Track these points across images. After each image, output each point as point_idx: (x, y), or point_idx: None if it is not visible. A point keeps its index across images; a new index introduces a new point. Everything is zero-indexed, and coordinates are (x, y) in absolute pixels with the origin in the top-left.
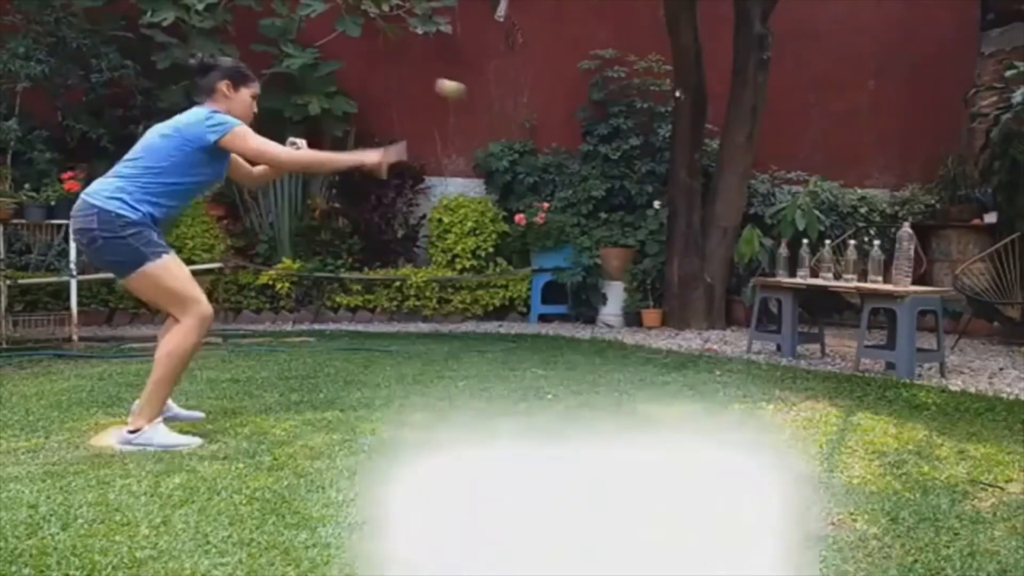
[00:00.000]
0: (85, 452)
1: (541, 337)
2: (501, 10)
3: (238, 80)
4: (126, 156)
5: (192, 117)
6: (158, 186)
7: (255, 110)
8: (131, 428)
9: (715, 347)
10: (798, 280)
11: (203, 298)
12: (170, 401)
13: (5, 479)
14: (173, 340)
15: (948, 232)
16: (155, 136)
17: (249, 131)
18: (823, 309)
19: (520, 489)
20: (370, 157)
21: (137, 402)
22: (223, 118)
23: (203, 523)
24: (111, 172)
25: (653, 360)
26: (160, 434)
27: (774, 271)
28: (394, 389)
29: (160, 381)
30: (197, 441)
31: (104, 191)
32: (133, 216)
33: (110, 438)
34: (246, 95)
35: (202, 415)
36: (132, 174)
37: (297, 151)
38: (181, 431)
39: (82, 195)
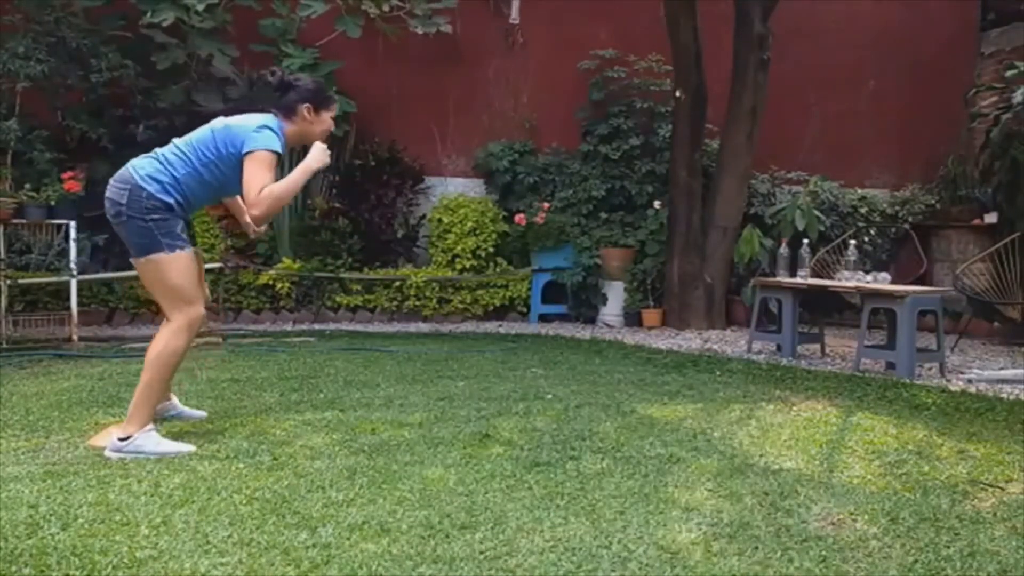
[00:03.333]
0: (85, 452)
1: (541, 337)
2: (514, 12)
3: (321, 103)
4: (179, 139)
5: (250, 120)
6: (194, 179)
7: (333, 128)
8: (121, 435)
9: (715, 347)
10: (798, 280)
11: (199, 302)
12: (175, 399)
13: (5, 479)
14: (161, 342)
15: (948, 232)
16: (209, 128)
17: (270, 166)
18: (823, 309)
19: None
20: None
21: None
22: (269, 135)
23: (203, 523)
24: (159, 150)
25: (653, 360)
26: (152, 441)
27: (774, 271)
28: (394, 389)
29: (150, 384)
30: (189, 448)
31: (144, 169)
32: (164, 200)
33: (106, 439)
34: (326, 117)
35: (204, 414)
36: (174, 160)
37: (269, 203)
38: (182, 431)
39: (128, 165)
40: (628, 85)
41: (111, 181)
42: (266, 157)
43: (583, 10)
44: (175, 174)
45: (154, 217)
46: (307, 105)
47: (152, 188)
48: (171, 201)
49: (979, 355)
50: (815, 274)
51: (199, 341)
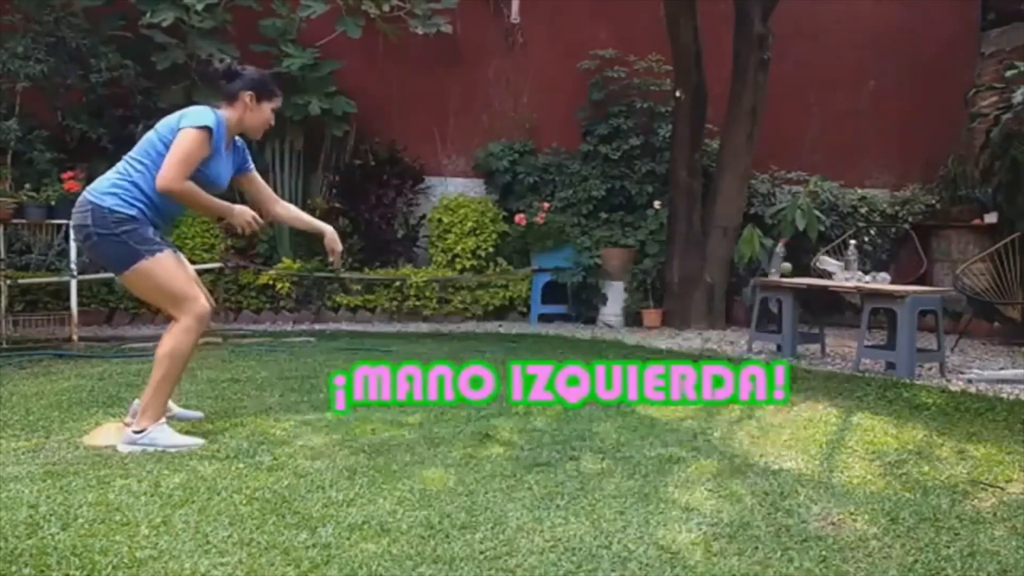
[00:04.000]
0: (85, 452)
1: (542, 337)
2: (514, 12)
3: (263, 94)
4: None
5: (181, 112)
6: (148, 183)
7: (272, 123)
8: (136, 428)
9: (715, 347)
10: (798, 280)
11: (200, 296)
12: (170, 402)
13: (5, 479)
14: (172, 340)
15: (948, 232)
16: (152, 129)
17: (195, 144)
18: (823, 309)
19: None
20: (240, 215)
21: (137, 401)
22: (202, 112)
23: (203, 523)
24: (111, 168)
25: (653, 360)
26: (165, 434)
27: (768, 270)
28: None
29: (162, 381)
30: (200, 441)
31: (101, 188)
32: (128, 212)
33: (104, 437)
34: (267, 109)
35: (201, 415)
36: (126, 170)
37: (188, 186)
38: (181, 431)
39: (83, 192)
40: (628, 85)
41: (73, 211)
42: (194, 133)
43: (583, 10)
44: (134, 181)
45: (124, 229)
46: (250, 93)
47: (111, 202)
48: (134, 212)
49: (979, 355)
50: (815, 274)
51: (200, 341)
